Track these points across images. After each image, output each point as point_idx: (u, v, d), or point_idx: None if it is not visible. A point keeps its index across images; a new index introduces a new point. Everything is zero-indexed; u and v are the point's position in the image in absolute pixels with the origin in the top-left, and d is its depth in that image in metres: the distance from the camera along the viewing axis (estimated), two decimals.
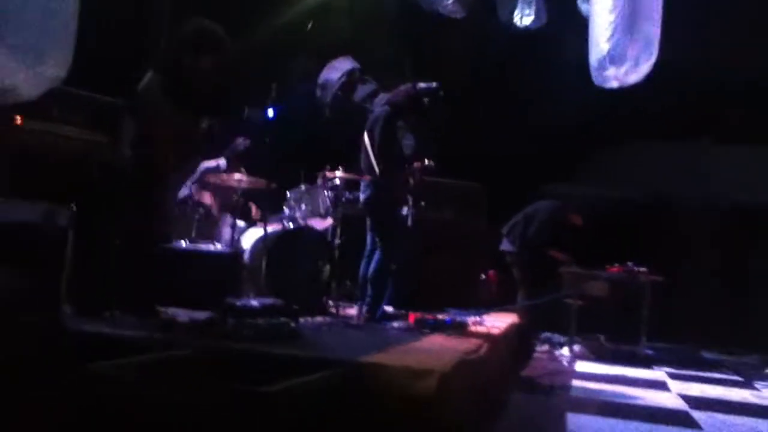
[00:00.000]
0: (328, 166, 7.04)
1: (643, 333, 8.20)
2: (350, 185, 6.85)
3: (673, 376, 7.34)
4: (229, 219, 6.67)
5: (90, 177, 4.76)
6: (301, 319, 5.08)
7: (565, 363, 7.86)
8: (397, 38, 9.71)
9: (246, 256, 6.55)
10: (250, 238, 6.83)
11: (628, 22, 6.68)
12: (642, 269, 8.36)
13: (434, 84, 6.37)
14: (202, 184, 7.28)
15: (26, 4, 3.96)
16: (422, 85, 6.34)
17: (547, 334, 8.84)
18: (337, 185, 6.88)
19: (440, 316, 5.97)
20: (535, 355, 7.98)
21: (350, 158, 6.57)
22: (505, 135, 9.64)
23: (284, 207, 7.21)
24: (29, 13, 4.10)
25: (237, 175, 6.70)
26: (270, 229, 6.55)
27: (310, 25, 9.66)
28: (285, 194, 7.23)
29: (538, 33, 9.19)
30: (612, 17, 6.70)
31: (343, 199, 6.86)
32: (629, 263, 8.41)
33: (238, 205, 6.80)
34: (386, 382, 3.44)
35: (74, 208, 4.26)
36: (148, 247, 4.82)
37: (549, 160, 9.70)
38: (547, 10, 9.11)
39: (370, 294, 6.04)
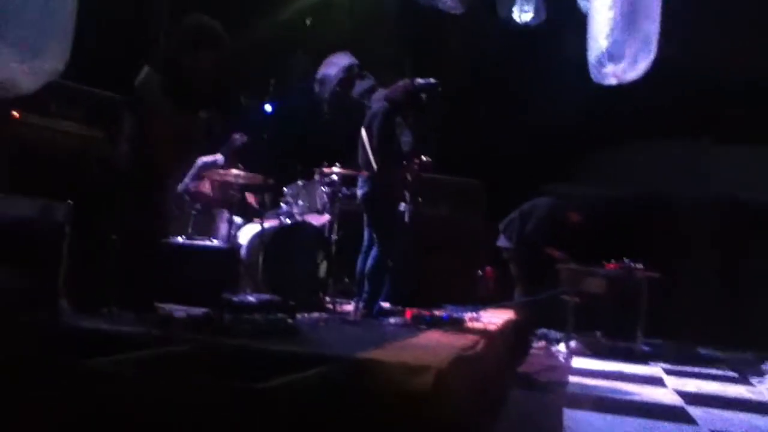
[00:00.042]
0: (326, 162, 7.04)
1: (640, 329, 8.22)
2: (347, 181, 6.85)
3: (669, 372, 7.35)
4: (226, 215, 6.67)
5: (88, 173, 4.76)
6: (298, 315, 5.09)
7: (561, 359, 7.87)
8: (396, 35, 9.71)
9: (243, 252, 6.56)
10: (247, 233, 6.83)
11: (627, 19, 6.68)
12: (639, 266, 8.37)
13: (432, 80, 6.37)
14: (200, 179, 7.29)
15: None
16: (420, 81, 6.33)
17: (544, 331, 8.84)
18: (334, 181, 6.87)
19: (437, 313, 5.98)
20: (532, 351, 8.00)
21: (348, 154, 6.57)
22: (504, 132, 9.65)
23: (281, 203, 7.21)
24: (28, 8, 4.11)
25: (234, 171, 6.70)
26: (267, 224, 6.55)
27: (308, 21, 9.66)
28: (282, 190, 7.23)
29: (537, 30, 9.19)
30: (611, 14, 6.71)
31: (341, 195, 6.85)
32: (626, 260, 8.42)
33: (235, 201, 6.80)
34: (383, 378, 3.44)
35: (72, 204, 4.27)
36: (146, 243, 4.81)
37: (547, 157, 9.70)
38: (546, 7, 9.11)
39: (367, 290, 6.04)
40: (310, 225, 6.92)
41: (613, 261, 8.50)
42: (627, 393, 6.08)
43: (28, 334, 3.59)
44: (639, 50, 6.78)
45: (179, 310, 4.75)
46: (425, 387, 3.40)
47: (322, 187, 6.94)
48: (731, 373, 7.68)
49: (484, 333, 5.41)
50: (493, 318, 6.49)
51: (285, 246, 6.44)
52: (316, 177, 7.09)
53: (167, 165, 4.96)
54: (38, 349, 3.47)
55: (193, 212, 6.58)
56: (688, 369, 7.75)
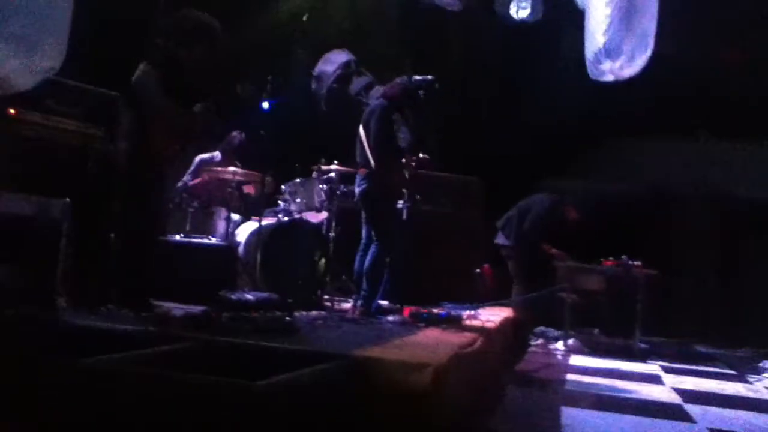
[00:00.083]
0: (323, 159, 7.04)
1: (638, 327, 8.20)
2: (345, 178, 6.85)
3: (667, 370, 7.35)
4: (223, 212, 6.66)
5: (86, 170, 4.75)
6: (296, 313, 5.08)
7: (559, 357, 7.87)
8: (394, 32, 9.71)
9: (241, 249, 6.54)
10: (244, 231, 6.82)
11: (624, 15, 6.69)
12: (636, 263, 8.37)
13: (430, 77, 6.36)
14: (198, 176, 7.28)
15: None
16: (418, 78, 6.33)
17: (542, 328, 8.83)
18: (332, 178, 6.88)
19: (435, 310, 5.98)
20: (530, 349, 8.00)
21: (346, 151, 6.56)
22: (502, 129, 9.64)
23: (279, 200, 7.21)
24: (24, 5, 4.10)
25: (232, 168, 6.69)
26: (265, 222, 6.54)
27: (306, 17, 9.64)
28: (280, 187, 7.22)
29: (535, 27, 9.18)
30: (608, 10, 6.71)
31: (338, 192, 6.86)
32: (624, 257, 8.41)
33: (233, 198, 6.79)
34: (381, 375, 3.44)
35: (69, 202, 4.26)
36: (144, 240, 4.80)
37: (545, 154, 9.69)
38: (544, 4, 9.11)
39: (366, 288, 6.03)
40: (308, 223, 6.90)
41: (611, 258, 8.49)
42: (625, 391, 6.07)
43: (25, 332, 3.58)
44: (636, 47, 6.79)
45: (177, 308, 4.75)
46: (423, 384, 3.40)
47: (320, 185, 6.93)
48: (729, 371, 7.68)
49: (482, 331, 5.42)
50: (491, 316, 6.49)
51: (283, 244, 6.42)
52: (314, 174, 7.07)
53: (165, 161, 4.95)
54: (35, 347, 3.46)
55: (191, 210, 6.57)
56: (686, 367, 7.75)
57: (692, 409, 5.38)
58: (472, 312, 6.26)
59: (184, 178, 7.30)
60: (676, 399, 5.81)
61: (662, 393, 6.09)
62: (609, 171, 10.47)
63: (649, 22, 6.73)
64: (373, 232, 6.14)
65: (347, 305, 6.41)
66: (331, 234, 6.64)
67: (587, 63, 7.06)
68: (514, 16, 9.17)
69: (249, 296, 4.59)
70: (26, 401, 2.86)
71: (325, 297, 6.43)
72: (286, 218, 6.87)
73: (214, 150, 7.52)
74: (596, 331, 8.46)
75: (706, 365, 7.99)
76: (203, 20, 4.92)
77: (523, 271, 8.77)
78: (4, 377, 2.89)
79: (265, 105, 6.49)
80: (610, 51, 6.80)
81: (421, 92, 6.31)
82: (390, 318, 5.75)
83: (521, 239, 8.71)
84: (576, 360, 7.68)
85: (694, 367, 7.76)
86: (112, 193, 4.78)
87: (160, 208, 5.26)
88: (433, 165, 6.95)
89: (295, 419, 2.92)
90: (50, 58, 4.27)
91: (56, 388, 2.84)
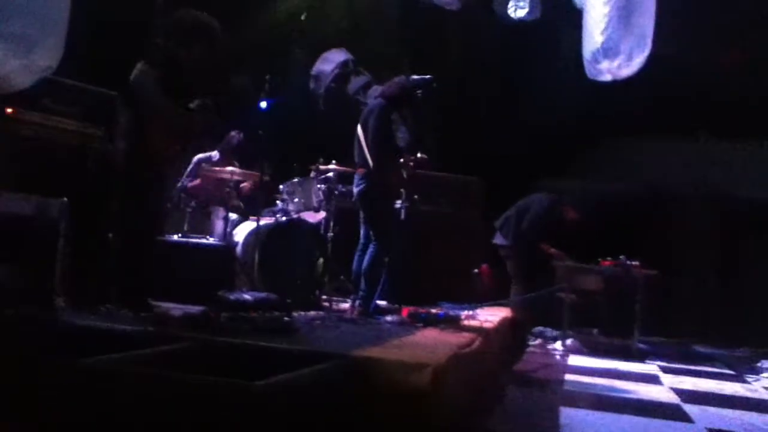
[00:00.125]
0: (322, 159, 7.03)
1: (636, 327, 8.20)
2: (343, 178, 6.84)
3: (665, 370, 7.35)
4: (221, 212, 6.66)
5: (84, 169, 4.75)
6: (295, 313, 5.07)
7: (558, 357, 7.87)
8: (393, 31, 9.70)
9: (239, 249, 6.54)
10: (242, 231, 6.81)
11: (623, 15, 6.68)
12: (635, 263, 8.36)
13: (428, 76, 6.36)
14: (196, 176, 7.28)
15: None
16: (416, 77, 6.32)
17: (540, 328, 8.83)
18: (330, 178, 6.87)
19: (433, 310, 5.98)
20: (529, 349, 7.99)
21: (344, 151, 6.56)
22: (501, 129, 9.63)
23: (277, 200, 7.20)
24: (21, 4, 4.09)
25: (230, 168, 6.68)
26: (263, 222, 6.53)
27: (304, 17, 9.64)
28: (278, 187, 7.22)
29: (533, 26, 9.18)
30: (606, 10, 6.71)
31: (337, 192, 6.85)
32: (622, 257, 8.41)
33: (231, 197, 6.79)
34: (380, 376, 3.44)
35: (68, 202, 4.25)
36: (142, 240, 4.80)
37: (543, 154, 9.69)
38: (542, 3, 9.10)
39: (364, 288, 6.02)
40: (306, 222, 6.90)
41: (609, 258, 8.49)
42: (623, 391, 6.07)
43: (25, 332, 3.58)
44: (634, 46, 6.78)
45: (176, 308, 4.74)
46: (422, 384, 3.40)
47: (318, 185, 6.92)
48: (727, 371, 7.68)
49: (480, 331, 5.42)
50: (490, 316, 6.49)
51: (281, 244, 6.41)
52: (312, 174, 7.07)
53: (163, 160, 4.95)
54: (35, 347, 3.45)
55: (189, 210, 6.56)
56: (685, 367, 7.75)
57: (691, 409, 5.38)
58: (471, 312, 6.25)
59: (182, 179, 7.29)
60: (674, 399, 5.81)
61: (661, 393, 6.09)
62: (608, 171, 10.48)
63: (647, 22, 6.73)
64: (371, 232, 6.13)
65: (345, 305, 6.41)
66: (330, 234, 6.64)
67: (585, 62, 7.06)
68: (513, 15, 9.16)
69: (247, 296, 4.58)
70: (26, 401, 2.85)
71: (324, 297, 6.42)
72: (284, 218, 6.86)
73: (213, 150, 7.51)
74: (595, 331, 8.46)
75: (705, 365, 7.99)
76: (202, 20, 4.91)
77: (522, 271, 8.76)
78: (4, 377, 2.88)
79: (263, 104, 6.48)
80: (608, 50, 6.80)
81: (419, 92, 6.31)
82: (388, 318, 5.75)
83: (520, 239, 8.70)
84: (575, 360, 7.68)
85: (692, 367, 7.76)
86: (110, 192, 4.77)
87: (158, 208, 5.25)
88: (432, 165, 6.94)
89: (293, 419, 2.92)
90: (48, 57, 4.26)
91: (56, 388, 2.84)
